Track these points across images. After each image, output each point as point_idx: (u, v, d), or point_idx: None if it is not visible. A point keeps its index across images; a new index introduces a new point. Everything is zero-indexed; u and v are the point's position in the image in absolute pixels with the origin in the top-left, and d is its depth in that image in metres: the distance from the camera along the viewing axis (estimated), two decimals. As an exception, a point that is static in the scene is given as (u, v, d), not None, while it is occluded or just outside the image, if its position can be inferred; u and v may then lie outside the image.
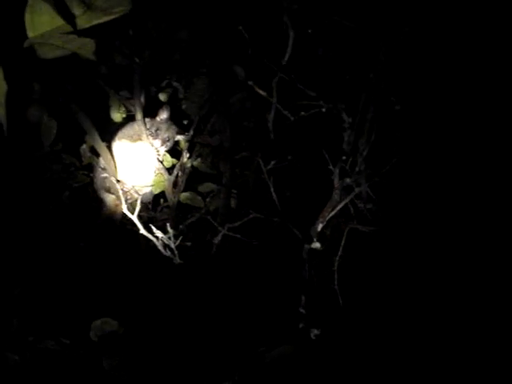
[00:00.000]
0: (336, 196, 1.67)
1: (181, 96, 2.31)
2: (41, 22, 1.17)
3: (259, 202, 1.91)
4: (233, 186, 2.18)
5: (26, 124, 2.09)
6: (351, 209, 1.79)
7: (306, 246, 1.68)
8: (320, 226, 1.69)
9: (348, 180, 1.65)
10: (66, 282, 2.03)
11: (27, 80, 1.97)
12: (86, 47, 1.30)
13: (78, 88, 2.20)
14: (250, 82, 1.81)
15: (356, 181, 1.65)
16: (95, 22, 1.18)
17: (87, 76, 2.18)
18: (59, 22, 1.17)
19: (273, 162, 1.78)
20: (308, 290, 1.66)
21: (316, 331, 1.62)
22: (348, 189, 1.68)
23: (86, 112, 2.18)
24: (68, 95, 2.16)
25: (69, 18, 1.15)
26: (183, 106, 2.28)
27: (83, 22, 1.17)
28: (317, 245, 1.69)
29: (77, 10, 1.21)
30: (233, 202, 2.21)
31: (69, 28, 1.17)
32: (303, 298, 1.66)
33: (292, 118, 1.75)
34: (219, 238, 1.84)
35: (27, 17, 1.19)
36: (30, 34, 1.23)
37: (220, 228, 1.84)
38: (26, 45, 1.21)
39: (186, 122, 2.27)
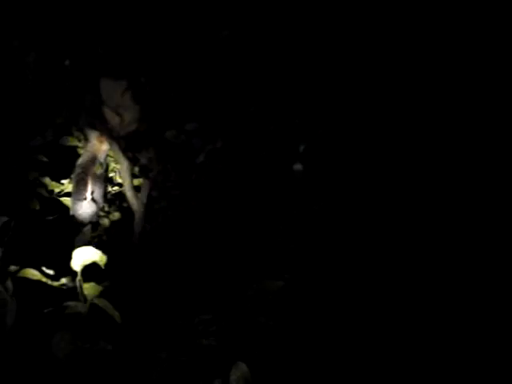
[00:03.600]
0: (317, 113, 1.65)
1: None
2: None
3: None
4: (217, 123, 2.17)
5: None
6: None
7: (289, 165, 1.66)
8: (302, 147, 1.68)
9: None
10: (48, 212, 2.01)
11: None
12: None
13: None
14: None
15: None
16: None
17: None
18: None
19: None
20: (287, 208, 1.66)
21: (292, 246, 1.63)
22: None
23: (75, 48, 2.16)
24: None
25: None
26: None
27: None
28: (298, 166, 1.68)
29: None
30: (219, 143, 2.20)
31: None
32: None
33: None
34: (201, 158, 1.82)
35: None
36: None
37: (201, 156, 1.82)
38: None
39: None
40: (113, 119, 2.16)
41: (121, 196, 2.29)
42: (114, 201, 2.31)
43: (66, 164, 2.25)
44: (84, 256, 1.88)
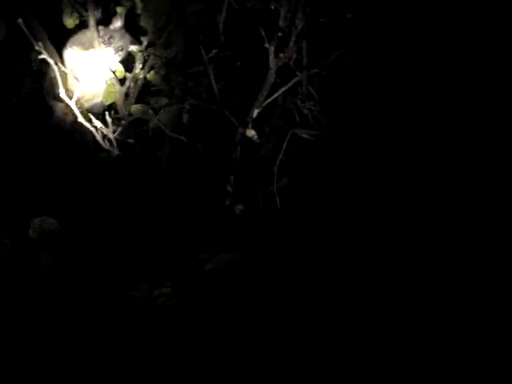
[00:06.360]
0: (271, 77, 1.64)
1: (139, 11, 2.27)
2: None
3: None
4: (185, 100, 2.16)
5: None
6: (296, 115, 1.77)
7: (240, 130, 1.66)
8: (256, 112, 1.67)
9: (281, 55, 1.61)
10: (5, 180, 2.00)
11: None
12: None
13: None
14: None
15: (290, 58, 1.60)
16: None
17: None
18: None
19: (214, 51, 1.75)
20: (237, 171, 1.66)
21: (240, 207, 1.63)
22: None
23: (37, 16, 2.13)
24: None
25: None
26: (140, 18, 2.23)
27: None
28: (252, 132, 1.67)
29: None
30: (185, 118, 2.19)
31: None
32: (232, 177, 1.66)
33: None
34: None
35: None
36: None
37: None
38: None
39: (140, 33, 2.22)
40: (77, 91, 2.14)
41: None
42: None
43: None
44: (41, 225, 1.87)
